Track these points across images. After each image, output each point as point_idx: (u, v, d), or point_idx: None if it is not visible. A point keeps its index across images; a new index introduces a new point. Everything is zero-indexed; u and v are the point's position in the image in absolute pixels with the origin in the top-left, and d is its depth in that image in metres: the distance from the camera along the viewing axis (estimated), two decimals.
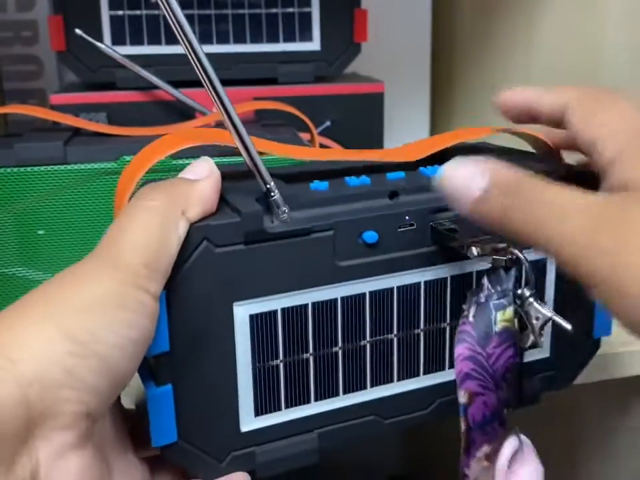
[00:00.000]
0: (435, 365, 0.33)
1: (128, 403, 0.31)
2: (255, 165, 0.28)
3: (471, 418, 0.29)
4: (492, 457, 0.30)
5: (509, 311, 0.30)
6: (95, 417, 0.23)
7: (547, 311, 0.29)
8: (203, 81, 0.28)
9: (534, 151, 0.38)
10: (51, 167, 0.41)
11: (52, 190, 0.41)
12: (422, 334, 0.32)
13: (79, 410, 0.22)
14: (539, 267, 0.33)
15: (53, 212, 0.41)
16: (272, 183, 0.28)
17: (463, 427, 0.29)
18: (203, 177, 0.28)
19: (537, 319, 0.29)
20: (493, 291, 0.30)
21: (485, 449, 0.30)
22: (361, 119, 0.58)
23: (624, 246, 0.23)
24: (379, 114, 0.59)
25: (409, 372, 0.33)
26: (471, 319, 0.29)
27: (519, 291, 0.29)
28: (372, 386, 0.32)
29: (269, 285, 0.29)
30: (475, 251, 0.29)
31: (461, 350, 0.29)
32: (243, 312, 0.29)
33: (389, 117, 0.68)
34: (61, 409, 0.22)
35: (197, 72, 0.27)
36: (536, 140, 0.37)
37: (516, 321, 0.30)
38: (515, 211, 0.26)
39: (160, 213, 0.26)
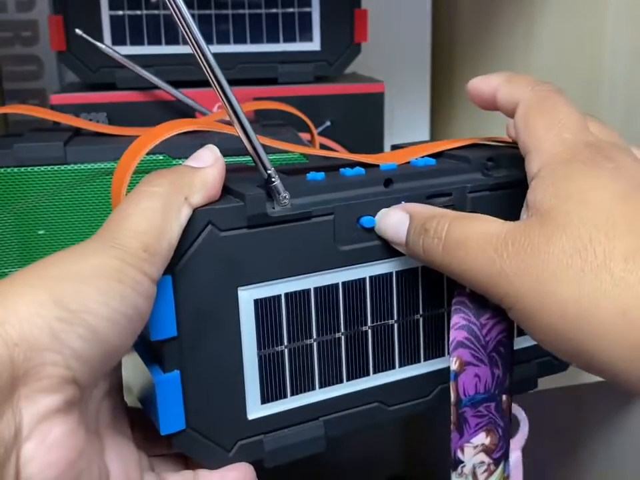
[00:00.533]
0: (434, 351, 0.34)
1: (130, 402, 0.31)
2: (256, 151, 0.29)
3: (461, 387, 0.29)
4: (492, 453, 0.30)
5: None
6: (83, 385, 0.23)
7: None
8: (199, 60, 0.28)
9: None
10: (51, 166, 0.41)
11: (52, 190, 0.41)
12: (421, 320, 0.33)
13: (65, 374, 0.22)
14: None
15: (53, 212, 0.41)
16: (272, 169, 0.29)
17: (452, 397, 0.30)
18: (207, 165, 0.29)
19: None
20: None
21: (482, 437, 0.30)
22: (361, 119, 0.58)
23: (525, 273, 0.24)
24: (379, 114, 0.59)
25: (410, 358, 0.33)
26: (467, 290, 0.30)
27: None
28: (375, 372, 0.32)
29: (272, 269, 0.29)
30: None
31: (456, 319, 0.30)
32: (247, 297, 0.29)
33: (389, 117, 0.68)
34: (46, 371, 0.22)
35: (192, 49, 0.28)
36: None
37: None
38: (433, 251, 0.28)
39: (162, 198, 0.27)
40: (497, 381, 0.30)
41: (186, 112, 0.54)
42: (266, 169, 0.29)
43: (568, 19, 0.54)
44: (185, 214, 0.27)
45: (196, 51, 0.27)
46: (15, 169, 0.41)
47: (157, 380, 0.28)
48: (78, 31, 0.52)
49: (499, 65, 0.66)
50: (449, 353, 0.33)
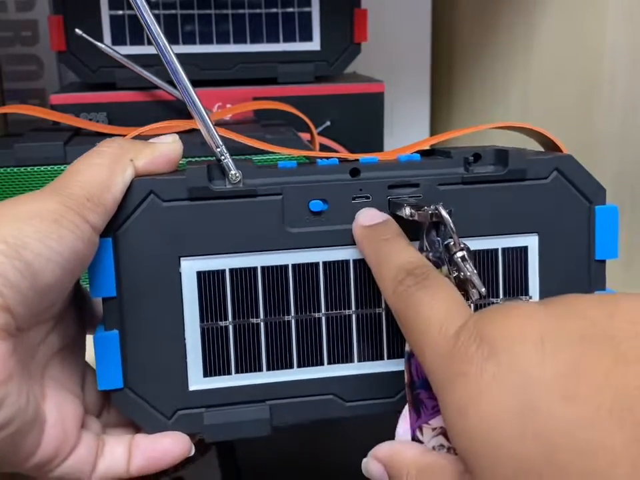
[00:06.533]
0: (400, 348, 0.32)
1: None
2: (206, 127, 0.30)
3: (414, 369, 0.28)
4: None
5: (444, 269, 0.29)
6: (18, 316, 0.25)
7: (467, 270, 0.28)
8: (157, 49, 0.30)
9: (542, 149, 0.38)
10: (51, 167, 0.41)
11: None
12: (384, 314, 0.32)
13: None
14: (519, 255, 0.33)
15: None
16: (223, 147, 0.30)
17: (406, 378, 0.29)
18: (163, 142, 0.31)
19: (460, 275, 0.29)
20: (430, 250, 0.30)
21: (441, 420, 0.28)
22: (361, 119, 0.58)
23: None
24: (379, 114, 0.59)
25: (371, 353, 0.32)
26: None
27: (447, 245, 0.29)
28: (329, 363, 0.32)
29: (215, 243, 0.30)
30: (407, 210, 0.29)
31: None
32: (190, 267, 0.30)
33: (389, 117, 0.68)
34: None
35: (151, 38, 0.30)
36: (540, 135, 0.37)
37: (452, 277, 0.29)
38: (403, 314, 0.27)
39: (109, 156, 0.29)
40: None
41: (186, 112, 0.54)
42: (216, 146, 0.30)
43: (568, 18, 0.54)
44: (129, 173, 0.29)
45: (150, 33, 0.30)
46: (15, 169, 0.41)
47: (95, 336, 0.29)
48: (78, 31, 0.52)
49: (498, 64, 0.66)
50: None
